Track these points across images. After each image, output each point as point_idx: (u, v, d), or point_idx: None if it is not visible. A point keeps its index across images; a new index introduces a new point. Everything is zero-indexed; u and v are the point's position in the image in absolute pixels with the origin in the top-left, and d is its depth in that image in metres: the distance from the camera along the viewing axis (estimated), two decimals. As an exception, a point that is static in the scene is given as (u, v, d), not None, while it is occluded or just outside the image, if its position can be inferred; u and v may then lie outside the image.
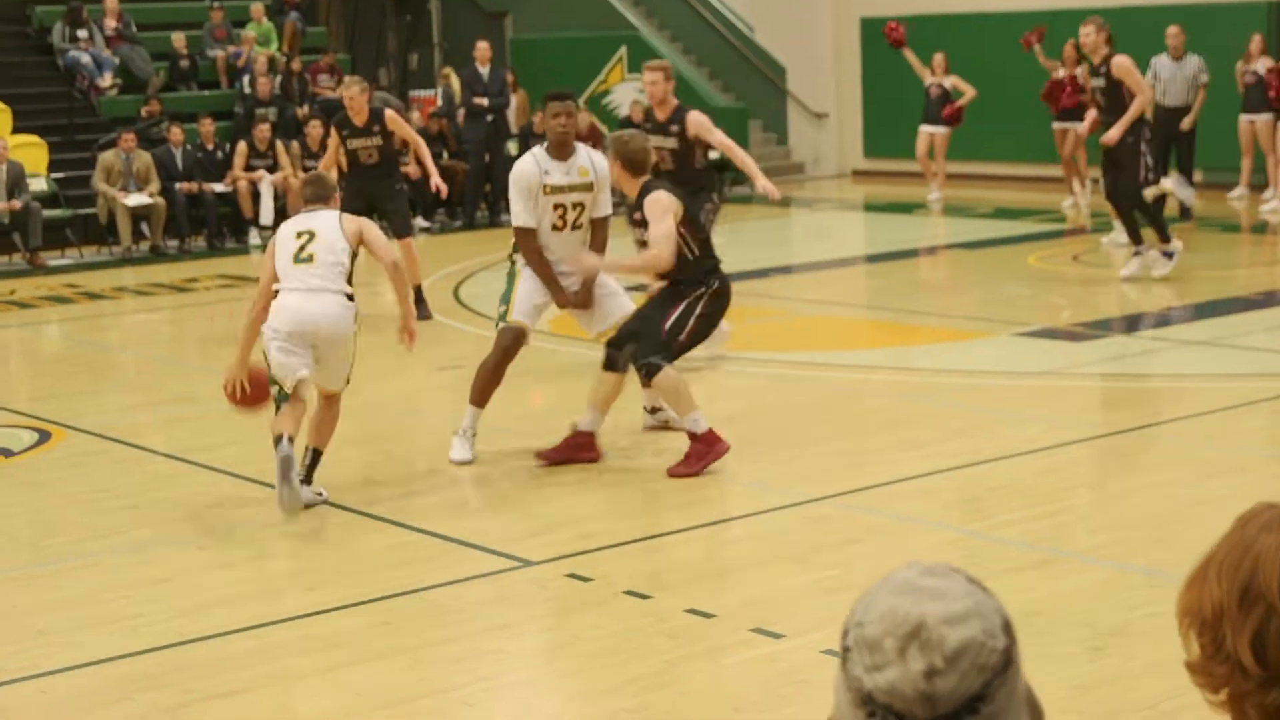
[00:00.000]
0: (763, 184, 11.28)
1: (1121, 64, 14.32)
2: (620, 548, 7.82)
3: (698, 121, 11.63)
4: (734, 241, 17.61)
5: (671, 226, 9.04)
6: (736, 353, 12.49)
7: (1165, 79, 19.41)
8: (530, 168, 9.57)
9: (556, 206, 9.57)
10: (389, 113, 14.40)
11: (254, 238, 20.47)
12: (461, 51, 25.03)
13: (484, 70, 21.81)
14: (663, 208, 9.05)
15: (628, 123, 23.49)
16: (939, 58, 21.88)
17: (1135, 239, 14.79)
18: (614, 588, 7.18)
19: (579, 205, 9.62)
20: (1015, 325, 13.16)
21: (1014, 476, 8.95)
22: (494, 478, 9.28)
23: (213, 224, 20.46)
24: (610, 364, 9.22)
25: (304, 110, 22.18)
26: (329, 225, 8.80)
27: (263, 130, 20.78)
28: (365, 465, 9.77)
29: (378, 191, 14.32)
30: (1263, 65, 19.94)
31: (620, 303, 9.67)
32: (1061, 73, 20.63)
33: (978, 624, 1.78)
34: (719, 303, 9.27)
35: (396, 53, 28.55)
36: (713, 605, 6.93)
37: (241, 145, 20.66)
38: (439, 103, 23.61)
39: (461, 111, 22.05)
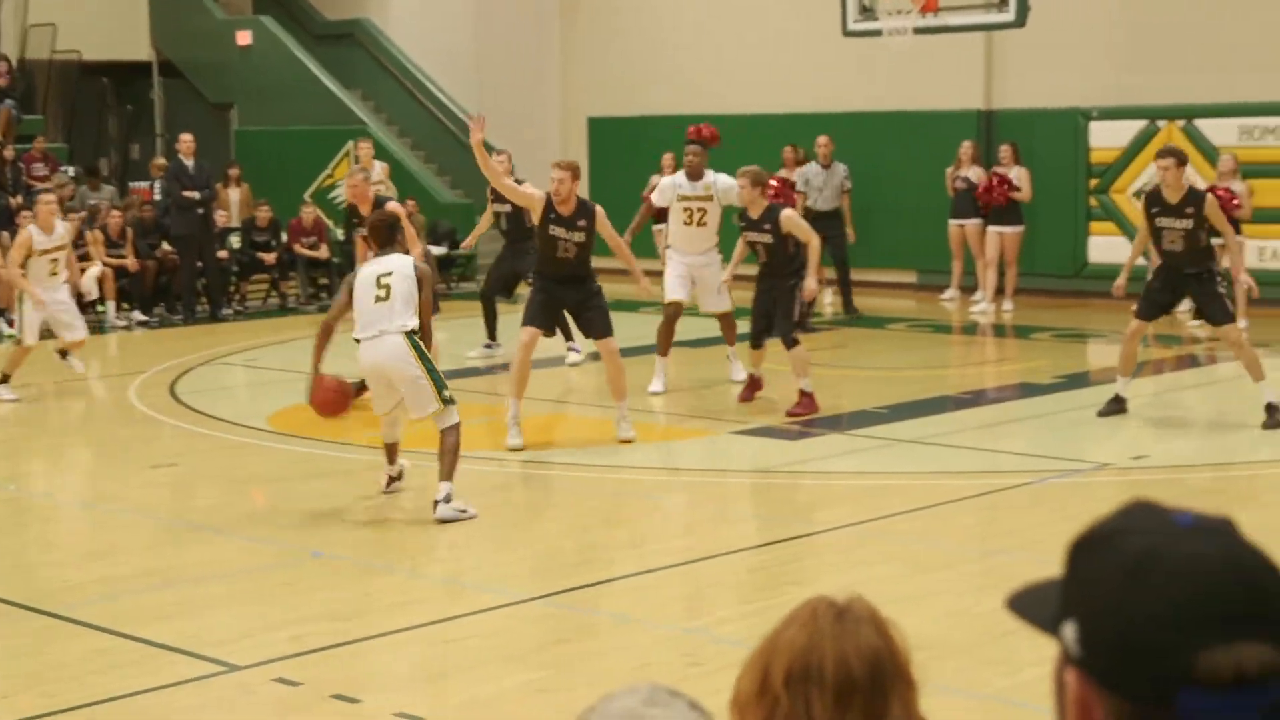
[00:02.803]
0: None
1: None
2: (331, 650, 7.67)
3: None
4: (457, 340, 17.57)
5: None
6: (462, 451, 12.41)
7: (817, 186, 20.17)
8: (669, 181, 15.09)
9: (685, 209, 14.65)
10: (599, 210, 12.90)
11: (-39, 327, 19.80)
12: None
13: (189, 163, 21.32)
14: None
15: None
16: (668, 157, 22.18)
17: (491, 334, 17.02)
18: (323, 692, 7.03)
19: (702, 210, 14.68)
20: (734, 424, 13.33)
21: (730, 573, 9.02)
22: (205, 580, 9.05)
23: (-84, 315, 19.72)
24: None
25: (17, 199, 21.56)
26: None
27: (-28, 219, 20.15)
28: (69, 567, 9.45)
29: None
30: (974, 173, 20.63)
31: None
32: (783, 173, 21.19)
33: None
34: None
35: (118, 142, 28.02)
36: (424, 708, 6.82)
37: (-50, 234, 19.99)
38: (155, 195, 23.18)
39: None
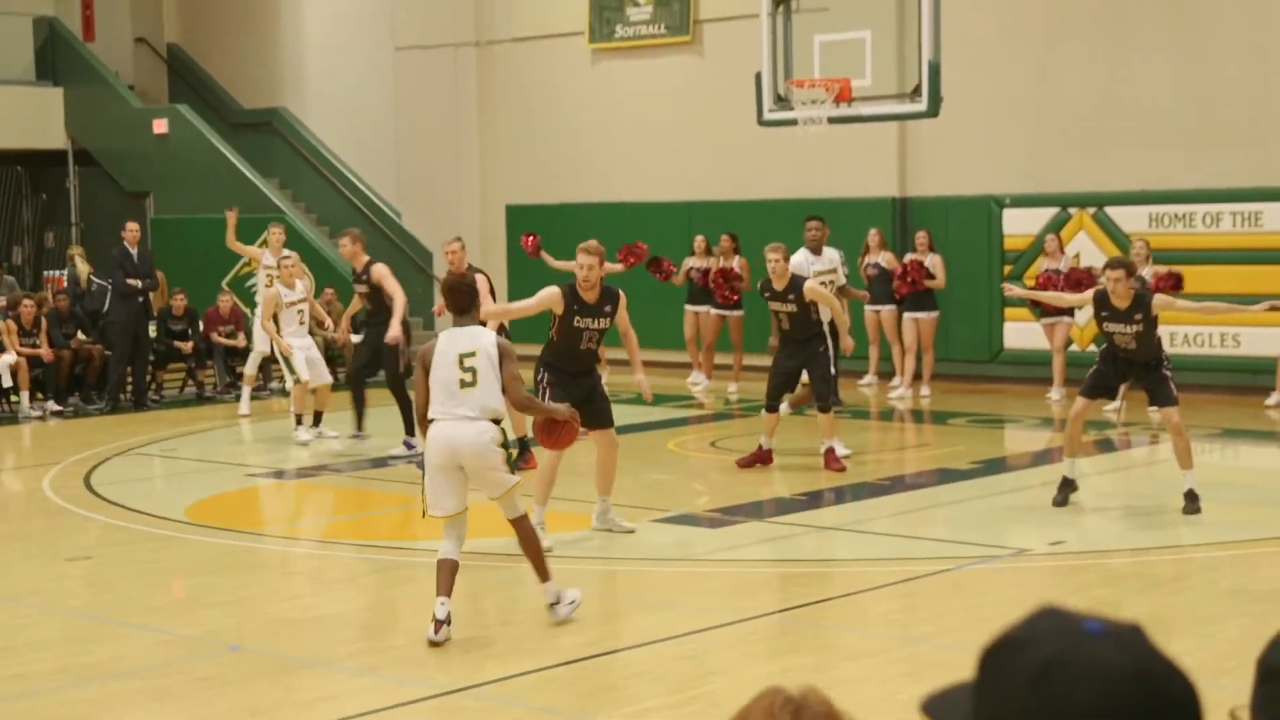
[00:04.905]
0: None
1: (379, 271, 16.75)
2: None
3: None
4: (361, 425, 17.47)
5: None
6: (369, 540, 12.34)
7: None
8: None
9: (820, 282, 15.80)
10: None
11: None
12: (100, 231, 24.51)
13: (134, 251, 21.15)
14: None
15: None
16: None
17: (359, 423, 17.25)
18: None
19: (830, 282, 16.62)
20: (654, 511, 13.32)
21: (653, 663, 8.99)
22: (121, 676, 8.92)
23: None
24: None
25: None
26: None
27: (-119, 307, 19.93)
28: (-19, 664, 9.29)
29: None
30: (883, 259, 20.82)
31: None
32: (707, 263, 21.29)
33: None
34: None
35: (32, 230, 27.82)
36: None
37: None
38: (65, 283, 23.00)
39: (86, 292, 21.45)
